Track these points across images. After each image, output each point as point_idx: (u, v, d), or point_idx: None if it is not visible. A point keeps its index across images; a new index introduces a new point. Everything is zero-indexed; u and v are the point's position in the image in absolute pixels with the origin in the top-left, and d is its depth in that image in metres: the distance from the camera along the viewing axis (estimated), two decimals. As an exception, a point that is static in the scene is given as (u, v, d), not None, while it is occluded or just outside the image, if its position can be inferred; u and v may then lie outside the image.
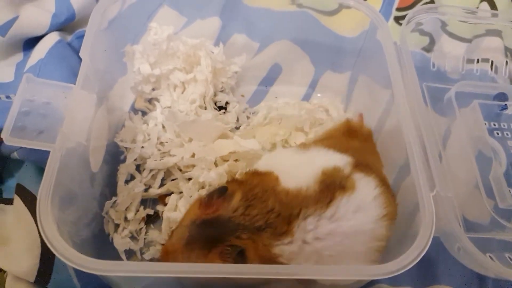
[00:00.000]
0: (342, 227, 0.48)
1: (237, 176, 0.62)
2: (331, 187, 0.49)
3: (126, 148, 0.69)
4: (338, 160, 0.54)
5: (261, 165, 0.57)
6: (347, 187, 0.49)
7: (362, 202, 0.49)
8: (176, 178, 0.67)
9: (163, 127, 0.70)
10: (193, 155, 0.67)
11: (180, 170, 0.67)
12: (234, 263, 0.45)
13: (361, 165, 0.53)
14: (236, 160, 0.67)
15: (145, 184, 0.66)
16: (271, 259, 0.46)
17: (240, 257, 0.45)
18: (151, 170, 0.67)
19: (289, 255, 0.47)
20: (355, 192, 0.49)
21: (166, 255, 0.50)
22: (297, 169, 0.54)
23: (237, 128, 0.74)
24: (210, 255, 0.46)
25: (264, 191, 0.50)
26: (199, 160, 0.65)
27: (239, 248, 0.45)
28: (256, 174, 0.55)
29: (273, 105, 0.76)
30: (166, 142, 0.69)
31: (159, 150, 0.68)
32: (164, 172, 0.67)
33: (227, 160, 0.67)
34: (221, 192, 0.50)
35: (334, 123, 0.71)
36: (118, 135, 0.70)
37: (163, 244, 0.53)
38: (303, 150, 0.58)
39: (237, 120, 0.75)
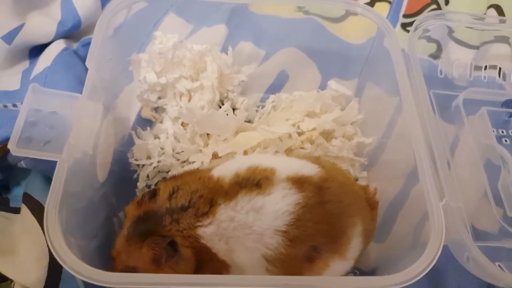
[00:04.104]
0: (239, 218, 0.49)
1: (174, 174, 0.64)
2: (243, 182, 0.51)
3: (138, 165, 0.69)
4: (284, 165, 0.54)
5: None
6: (261, 188, 0.51)
7: (265, 207, 0.50)
8: None
9: (175, 138, 0.70)
10: (215, 157, 0.66)
11: None
12: (166, 253, 0.48)
13: (301, 183, 0.52)
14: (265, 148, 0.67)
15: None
16: (196, 241, 0.49)
17: (172, 246, 0.48)
18: None
19: (209, 236, 0.49)
20: (265, 195, 0.50)
21: (113, 262, 0.52)
22: (233, 163, 0.57)
23: (248, 121, 0.73)
24: (143, 248, 0.48)
25: (193, 179, 0.54)
26: (228, 156, 0.66)
27: (169, 238, 0.48)
28: (193, 171, 0.59)
29: (282, 95, 0.76)
30: (182, 151, 0.68)
31: (178, 160, 0.68)
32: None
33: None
34: (153, 194, 0.53)
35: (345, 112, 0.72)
36: (131, 154, 0.70)
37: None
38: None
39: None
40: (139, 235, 0.49)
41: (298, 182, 0.52)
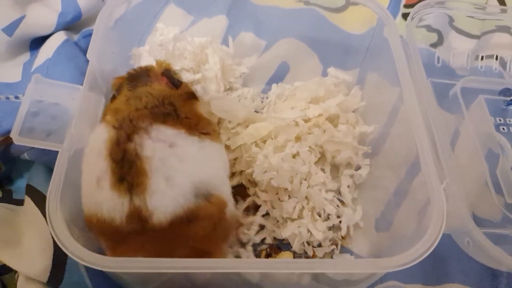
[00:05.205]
0: None
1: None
2: None
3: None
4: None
5: None
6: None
7: None
8: None
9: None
10: (227, 148, 0.67)
11: None
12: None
13: None
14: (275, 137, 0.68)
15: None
16: None
17: None
18: None
19: None
20: None
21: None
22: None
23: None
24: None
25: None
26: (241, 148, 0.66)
27: None
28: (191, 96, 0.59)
29: (284, 85, 0.77)
30: None
31: None
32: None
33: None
34: (176, 83, 0.57)
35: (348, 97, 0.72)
36: None
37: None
38: None
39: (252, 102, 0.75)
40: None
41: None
